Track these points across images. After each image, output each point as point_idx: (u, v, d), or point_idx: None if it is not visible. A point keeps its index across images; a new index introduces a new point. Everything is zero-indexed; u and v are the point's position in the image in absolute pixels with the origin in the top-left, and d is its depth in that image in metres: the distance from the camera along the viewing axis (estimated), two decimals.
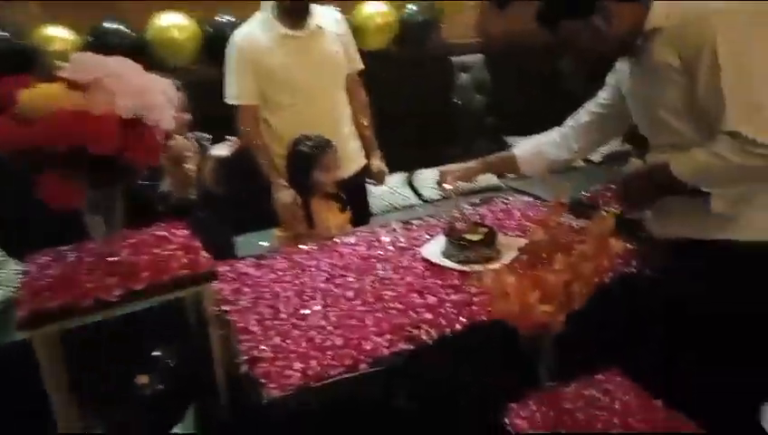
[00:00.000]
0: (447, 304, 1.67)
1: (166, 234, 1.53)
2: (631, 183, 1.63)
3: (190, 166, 2.35)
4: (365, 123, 2.74)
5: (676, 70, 1.43)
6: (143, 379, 1.40)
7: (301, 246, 2.13)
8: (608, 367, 1.66)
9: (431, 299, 1.70)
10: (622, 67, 1.68)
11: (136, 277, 1.31)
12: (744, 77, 1.32)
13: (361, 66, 2.74)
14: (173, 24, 3.12)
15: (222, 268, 1.95)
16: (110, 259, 1.36)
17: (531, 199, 2.52)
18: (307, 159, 2.36)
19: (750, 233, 1.41)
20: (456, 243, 1.90)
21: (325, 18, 2.56)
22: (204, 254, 1.38)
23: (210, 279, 1.34)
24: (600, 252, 1.42)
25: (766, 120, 1.30)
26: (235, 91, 2.51)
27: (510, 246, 1.95)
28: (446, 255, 1.93)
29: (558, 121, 2.04)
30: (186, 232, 1.56)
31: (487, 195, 2.67)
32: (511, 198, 2.51)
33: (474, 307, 1.65)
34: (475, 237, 1.90)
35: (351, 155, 2.70)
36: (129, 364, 1.37)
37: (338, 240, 2.17)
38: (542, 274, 1.37)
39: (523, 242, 2.01)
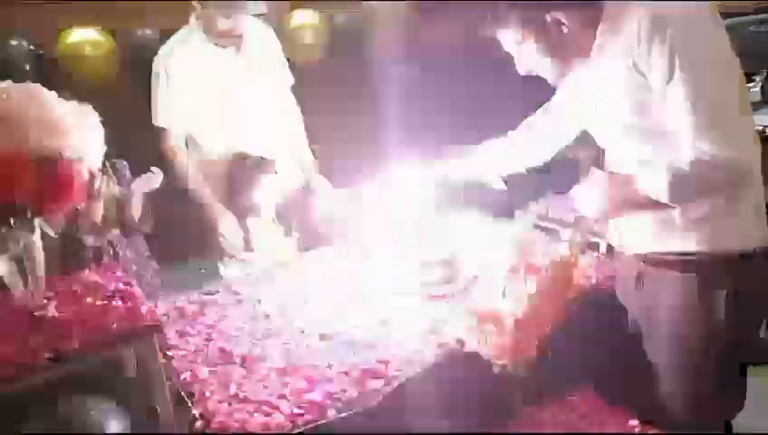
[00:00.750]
0: (415, 333, 1.57)
1: (99, 280, 1.35)
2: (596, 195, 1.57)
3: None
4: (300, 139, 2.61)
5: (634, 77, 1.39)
6: None
7: (249, 275, 1.99)
8: (581, 387, 1.63)
9: (396, 328, 1.61)
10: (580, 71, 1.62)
11: (66, 336, 1.13)
12: (702, 89, 1.30)
13: (292, 80, 2.61)
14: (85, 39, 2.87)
15: (163, 308, 1.79)
16: (34, 315, 1.17)
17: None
18: (244, 179, 2.24)
19: (717, 244, 1.40)
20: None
21: (253, 30, 2.42)
22: (146, 304, 1.21)
23: (154, 332, 1.18)
24: (568, 274, 1.38)
25: (726, 134, 1.29)
26: (163, 111, 2.33)
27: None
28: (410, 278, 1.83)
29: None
30: (123, 276, 1.39)
31: None
32: None
33: (442, 335, 1.57)
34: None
35: (290, 173, 2.57)
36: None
37: (290, 267, 2.04)
38: (516, 301, 1.31)
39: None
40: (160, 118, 2.33)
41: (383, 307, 1.71)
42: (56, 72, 2.85)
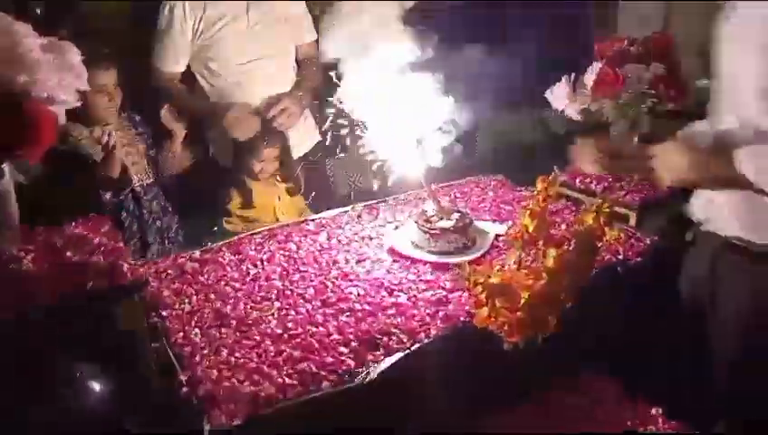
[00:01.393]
0: (421, 304, 1.47)
1: (85, 232, 1.26)
2: (680, 155, 1.33)
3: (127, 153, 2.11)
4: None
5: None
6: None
7: (252, 235, 1.89)
8: (596, 369, 1.51)
9: (402, 298, 1.50)
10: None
11: (38, 291, 1.04)
12: None
13: (314, 37, 2.46)
14: None
15: (162, 264, 1.71)
16: (7, 267, 1.09)
17: (502, 178, 2.32)
18: (243, 149, 2.18)
19: None
20: (427, 231, 1.70)
21: None
22: (128, 260, 1.12)
23: (134, 291, 1.09)
24: (593, 245, 1.24)
25: None
26: (168, 55, 2.22)
27: (485, 233, 1.77)
28: (416, 244, 1.72)
29: None
30: (109, 230, 1.29)
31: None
32: (483, 178, 2.31)
33: (450, 306, 1.46)
34: (448, 224, 1.70)
35: (302, 132, 2.45)
36: (41, 389, 1.11)
37: (294, 228, 1.94)
38: (532, 273, 1.18)
39: (500, 228, 1.84)
40: (165, 61, 2.23)
41: (388, 275, 1.60)
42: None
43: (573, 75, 2.08)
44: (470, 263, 1.61)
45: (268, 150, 2.22)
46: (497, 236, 1.78)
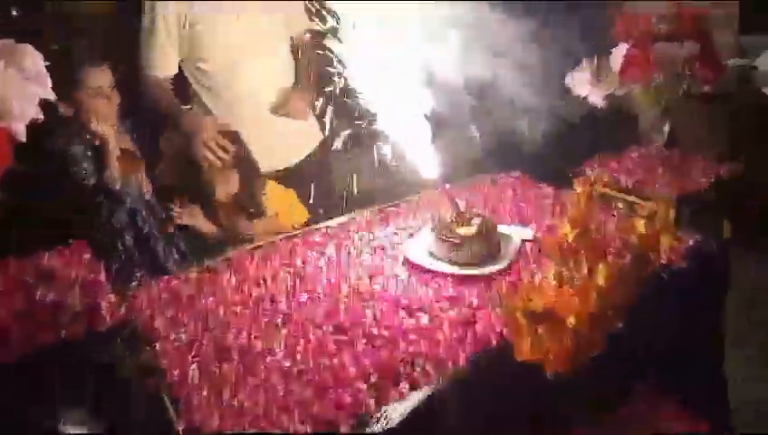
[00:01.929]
0: (445, 325, 1.30)
1: (61, 263, 1.10)
2: None
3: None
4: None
5: None
6: None
7: (253, 250, 1.73)
8: (651, 388, 1.35)
9: (423, 319, 1.33)
10: None
11: (4, 339, 0.88)
12: None
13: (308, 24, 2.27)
14: None
15: (156, 289, 1.54)
16: None
17: (519, 175, 2.15)
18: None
19: None
20: (446, 239, 1.53)
21: None
22: (109, 298, 0.96)
23: (116, 337, 0.92)
24: (648, 258, 1.07)
25: None
26: (155, 56, 2.05)
27: (510, 239, 1.60)
28: (436, 255, 1.55)
29: None
30: (90, 259, 1.13)
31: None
32: (499, 175, 2.14)
33: (478, 326, 1.29)
34: (469, 231, 1.53)
35: (306, 130, 2.28)
36: None
37: (299, 239, 1.77)
38: (579, 294, 1.01)
39: (525, 232, 1.67)
40: (155, 66, 2.06)
41: (406, 291, 1.44)
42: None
43: (596, 58, 1.90)
44: (497, 274, 1.46)
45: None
46: (523, 240, 1.61)
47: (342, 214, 1.90)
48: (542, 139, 3.16)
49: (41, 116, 0.94)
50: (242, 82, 2.10)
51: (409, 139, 1.65)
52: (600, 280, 1.00)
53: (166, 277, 1.60)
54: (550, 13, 2.19)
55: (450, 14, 1.67)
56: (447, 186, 1.81)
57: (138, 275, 1.92)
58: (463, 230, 1.54)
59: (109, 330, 0.94)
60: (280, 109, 2.17)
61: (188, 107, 2.08)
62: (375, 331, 1.30)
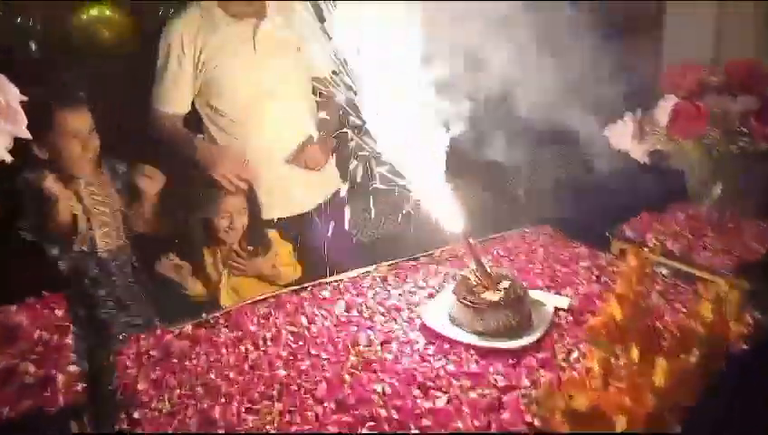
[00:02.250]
0: (465, 409, 1.12)
1: (26, 319, 0.95)
2: None
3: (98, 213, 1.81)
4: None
5: None
6: None
7: (256, 303, 1.58)
8: None
9: (440, 399, 1.15)
10: None
11: None
12: None
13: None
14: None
15: (145, 342, 1.40)
16: None
17: (551, 230, 1.98)
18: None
19: None
20: (470, 305, 1.35)
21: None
22: (69, 370, 0.80)
23: (68, 419, 0.77)
24: (719, 351, 0.89)
25: None
26: (167, 93, 1.95)
27: (542, 307, 1.42)
28: (456, 321, 1.38)
29: None
30: (64, 315, 0.99)
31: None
32: (529, 230, 1.97)
33: (505, 414, 1.11)
34: (496, 297, 1.36)
35: (324, 177, 2.15)
36: None
37: (306, 294, 1.62)
38: (632, 392, 0.83)
39: (559, 300, 1.49)
40: (167, 103, 1.96)
41: (422, 363, 1.26)
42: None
43: (639, 110, 1.74)
44: (527, 350, 1.28)
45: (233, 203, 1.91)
46: (557, 309, 1.43)
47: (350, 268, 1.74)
48: (573, 191, 2.99)
49: (8, 157, 0.82)
50: (257, 126, 1.98)
51: (429, 188, 1.50)
52: (659, 379, 0.82)
53: (159, 331, 1.45)
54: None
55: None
56: (471, 240, 1.65)
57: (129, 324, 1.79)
58: (489, 295, 1.37)
59: (60, 411, 0.79)
60: (295, 159, 2.04)
61: (202, 136, 1.96)
62: (383, 412, 1.12)
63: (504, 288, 1.38)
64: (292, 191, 2.07)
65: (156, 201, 1.86)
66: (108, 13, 2.54)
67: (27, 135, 0.87)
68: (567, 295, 1.51)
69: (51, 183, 1.64)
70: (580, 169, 3.32)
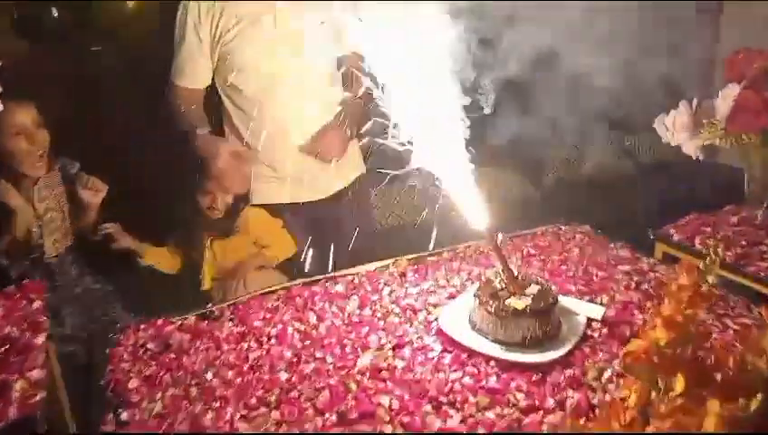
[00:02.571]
0: (481, 430, 1.00)
1: None
2: None
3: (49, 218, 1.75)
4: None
5: None
6: None
7: (266, 294, 1.48)
8: None
9: (454, 418, 1.04)
10: None
11: None
12: None
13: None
14: None
15: (144, 334, 1.32)
16: None
17: (588, 229, 1.82)
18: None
19: None
20: (493, 312, 1.22)
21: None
22: (30, 376, 0.71)
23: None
24: None
25: None
26: (185, 68, 1.86)
27: (573, 317, 1.28)
28: (478, 327, 1.25)
29: None
30: (39, 307, 0.90)
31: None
32: (564, 228, 1.82)
33: None
34: (522, 303, 1.22)
35: (344, 164, 2.02)
36: None
37: (319, 287, 1.51)
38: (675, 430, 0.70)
39: (593, 309, 1.34)
40: (190, 76, 1.86)
41: (436, 373, 1.14)
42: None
43: (695, 100, 1.56)
44: (554, 365, 1.15)
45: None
46: (589, 320, 1.29)
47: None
48: (609, 183, 2.79)
49: None
50: (275, 105, 1.87)
51: (454, 178, 1.36)
52: (711, 423, 0.68)
53: (160, 320, 1.38)
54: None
55: None
56: (500, 236, 1.51)
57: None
58: (514, 301, 1.23)
59: (10, 426, 0.70)
60: (310, 148, 1.92)
61: (205, 130, 1.86)
62: (388, 428, 1.01)
63: (533, 294, 1.25)
64: (313, 175, 1.95)
65: (99, 211, 1.81)
66: None
67: None
68: (602, 304, 1.37)
69: (10, 197, 1.62)
70: (623, 161, 3.12)
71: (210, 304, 1.46)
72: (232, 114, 1.93)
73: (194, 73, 1.88)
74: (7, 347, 0.80)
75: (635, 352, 0.82)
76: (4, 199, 1.63)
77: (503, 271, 1.29)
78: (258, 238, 2.01)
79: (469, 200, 1.31)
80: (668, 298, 0.84)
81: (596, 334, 1.26)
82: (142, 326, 1.35)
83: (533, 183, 2.93)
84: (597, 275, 1.51)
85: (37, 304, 0.93)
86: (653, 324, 0.84)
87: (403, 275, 1.56)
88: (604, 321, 1.29)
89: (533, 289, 1.27)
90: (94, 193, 1.76)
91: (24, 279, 1.32)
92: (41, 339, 0.85)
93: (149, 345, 1.29)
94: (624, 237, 1.73)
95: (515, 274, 1.29)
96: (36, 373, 0.79)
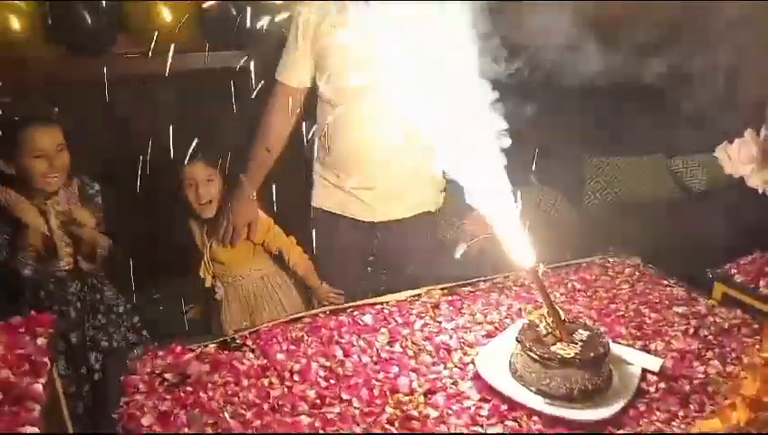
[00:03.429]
0: None
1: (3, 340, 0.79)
2: None
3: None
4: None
5: None
6: None
7: (288, 324, 1.39)
8: None
9: None
10: None
11: None
12: None
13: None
14: None
15: (161, 361, 1.25)
16: None
17: (638, 262, 1.68)
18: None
19: None
20: (538, 359, 1.11)
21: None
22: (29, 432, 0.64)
23: None
24: None
25: None
26: (287, 66, 1.82)
27: (626, 367, 1.16)
28: (519, 374, 1.14)
29: None
30: (45, 344, 0.82)
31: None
32: (612, 260, 1.69)
33: None
34: (570, 352, 1.11)
35: (407, 192, 1.90)
36: None
37: (346, 317, 1.42)
38: None
39: (649, 360, 1.21)
40: (290, 75, 1.82)
41: (472, 427, 1.03)
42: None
43: (764, 130, 1.43)
44: (605, 424, 1.03)
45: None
46: (645, 371, 1.16)
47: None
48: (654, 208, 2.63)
49: None
50: (356, 118, 1.77)
51: (496, 208, 1.25)
52: None
53: (179, 348, 1.30)
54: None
55: None
56: (542, 268, 1.40)
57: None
58: (561, 348, 1.12)
59: None
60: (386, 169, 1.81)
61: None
62: None
63: (581, 341, 1.13)
64: (382, 196, 1.85)
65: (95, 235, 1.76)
66: None
67: None
68: (656, 351, 1.24)
69: (21, 210, 1.60)
70: (680, 191, 2.93)
71: (232, 333, 1.38)
72: (318, 117, 1.86)
73: (293, 72, 1.82)
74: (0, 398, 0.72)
75: (721, 416, 0.70)
76: (16, 212, 1.61)
77: (548, 313, 1.18)
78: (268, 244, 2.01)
79: (510, 233, 1.21)
80: (750, 373, 0.72)
81: (652, 389, 1.13)
82: (160, 353, 1.28)
83: (575, 204, 2.79)
84: (650, 317, 1.38)
85: (41, 340, 0.85)
86: (731, 402, 0.72)
87: (436, 307, 1.46)
88: (661, 373, 1.16)
89: (582, 335, 1.15)
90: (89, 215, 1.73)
91: (39, 294, 1.30)
92: (39, 385, 0.77)
93: (167, 375, 1.21)
94: (676, 270, 1.60)
95: (561, 317, 1.17)
96: (29, 431, 0.71)
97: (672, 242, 2.02)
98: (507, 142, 1.20)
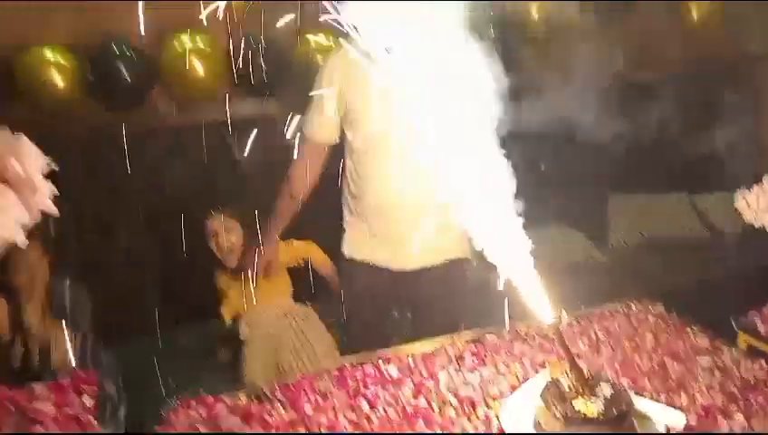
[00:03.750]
0: None
1: (44, 403, 0.85)
2: None
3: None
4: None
5: None
6: None
7: (316, 377, 1.43)
8: None
9: None
10: None
11: None
12: None
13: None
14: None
15: (194, 412, 1.29)
16: None
17: (662, 309, 1.69)
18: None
19: None
20: (561, 416, 1.13)
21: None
22: None
23: None
24: None
25: None
26: (313, 122, 1.88)
27: (649, 423, 1.17)
28: (543, 430, 1.16)
29: None
30: (92, 405, 0.88)
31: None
32: (635, 306, 1.70)
33: None
34: (593, 409, 1.12)
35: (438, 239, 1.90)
36: None
37: (372, 368, 1.45)
38: None
39: (673, 416, 1.22)
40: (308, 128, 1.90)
41: None
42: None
43: None
44: None
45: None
46: (668, 428, 1.17)
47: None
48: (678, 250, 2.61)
49: (21, 238, 0.72)
50: (380, 165, 1.82)
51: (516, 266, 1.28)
52: None
53: (211, 399, 1.34)
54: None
55: None
56: (564, 317, 1.42)
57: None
58: (583, 405, 1.13)
59: None
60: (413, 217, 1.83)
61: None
62: None
63: (605, 397, 1.14)
64: (421, 244, 1.84)
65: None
66: (202, 45, 2.51)
67: (53, 210, 0.77)
68: (681, 407, 1.24)
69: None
70: (696, 224, 2.90)
71: (262, 387, 1.42)
72: (346, 166, 1.92)
73: (321, 130, 1.87)
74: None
75: None
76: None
77: (570, 369, 1.19)
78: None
79: (529, 290, 1.24)
80: None
81: None
82: (193, 402, 1.33)
83: (597, 244, 2.79)
84: (674, 370, 1.38)
85: (88, 400, 0.91)
86: None
87: (460, 358, 1.48)
88: (685, 429, 1.17)
89: (605, 390, 1.16)
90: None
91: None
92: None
93: (198, 425, 1.25)
94: (699, 316, 1.60)
95: (584, 373, 1.19)
96: None
97: (695, 284, 2.02)
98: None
